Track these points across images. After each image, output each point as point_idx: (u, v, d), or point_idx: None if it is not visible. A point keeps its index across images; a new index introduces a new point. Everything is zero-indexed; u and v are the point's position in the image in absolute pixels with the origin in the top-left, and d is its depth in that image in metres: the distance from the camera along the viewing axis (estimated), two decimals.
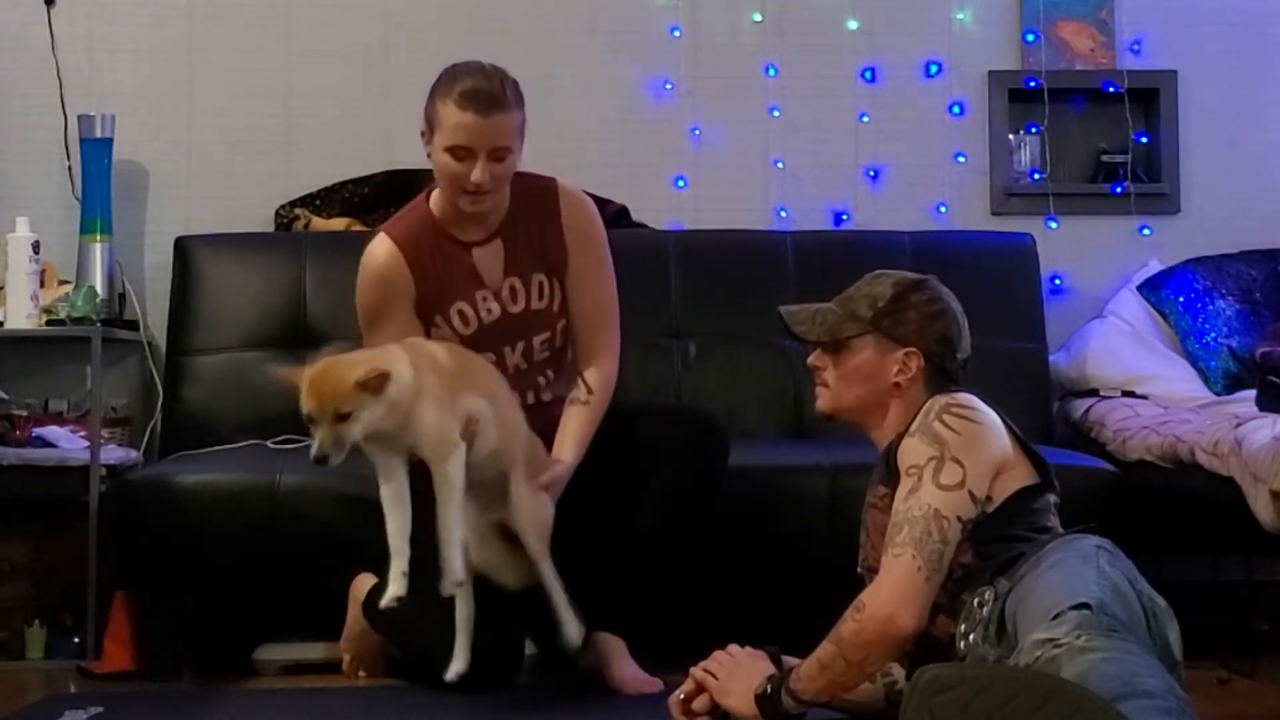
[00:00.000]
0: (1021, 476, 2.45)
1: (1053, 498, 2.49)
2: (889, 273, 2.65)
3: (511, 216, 3.09)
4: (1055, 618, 1.99)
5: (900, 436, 2.48)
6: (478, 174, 2.94)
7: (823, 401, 2.65)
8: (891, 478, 2.46)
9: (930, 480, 2.36)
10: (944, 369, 2.58)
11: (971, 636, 2.27)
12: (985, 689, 1.82)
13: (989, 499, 2.39)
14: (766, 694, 2.40)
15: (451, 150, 2.94)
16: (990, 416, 2.46)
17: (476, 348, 3.01)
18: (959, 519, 2.34)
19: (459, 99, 2.92)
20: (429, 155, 3.03)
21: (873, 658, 2.32)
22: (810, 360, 2.66)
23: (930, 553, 2.31)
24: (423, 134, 3.03)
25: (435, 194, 3.10)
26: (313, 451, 2.55)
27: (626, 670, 2.95)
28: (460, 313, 3.06)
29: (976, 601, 2.29)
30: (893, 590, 2.30)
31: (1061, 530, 2.43)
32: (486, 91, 2.92)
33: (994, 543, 2.36)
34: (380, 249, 3.06)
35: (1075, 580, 2.08)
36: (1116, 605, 2.03)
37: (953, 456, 2.37)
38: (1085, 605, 1.99)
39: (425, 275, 3.04)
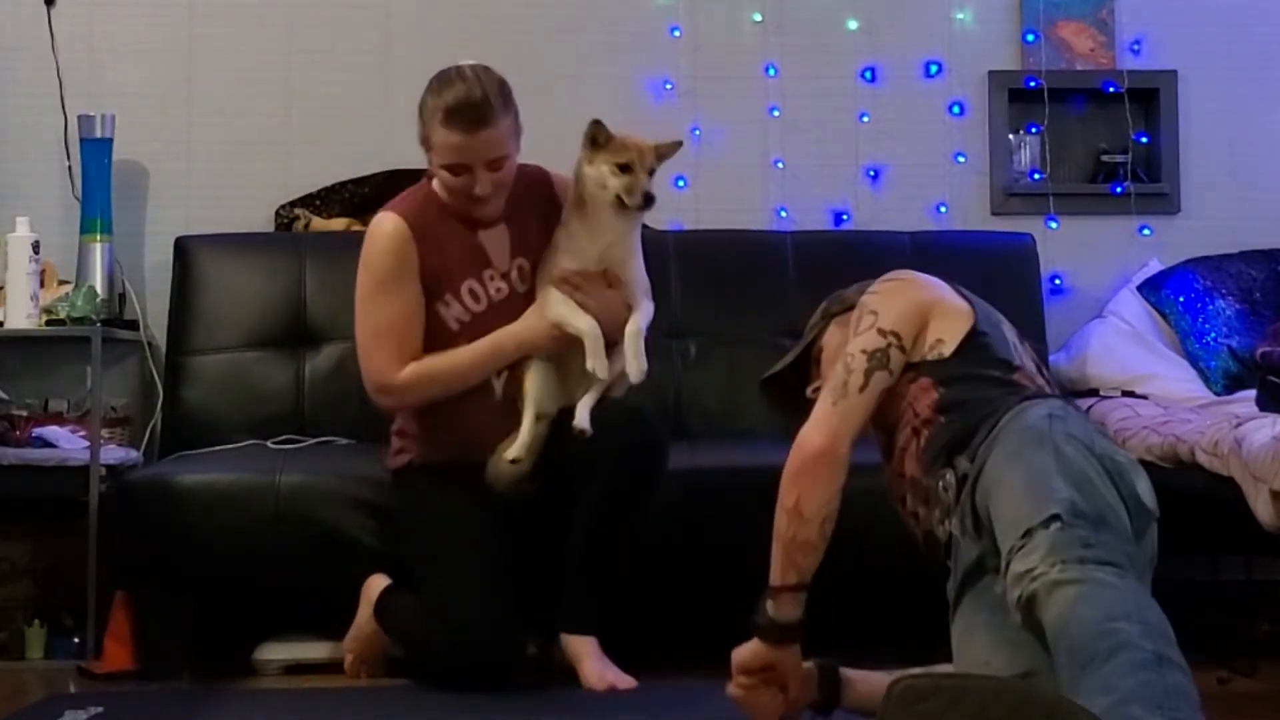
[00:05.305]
0: (969, 317, 2.50)
1: (1013, 334, 2.55)
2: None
3: (514, 201, 3.11)
4: (1026, 534, 2.01)
5: None
6: (480, 187, 3.00)
7: None
8: None
9: (850, 337, 2.48)
10: None
11: (947, 523, 2.32)
12: (959, 699, 1.86)
13: (940, 341, 2.45)
14: (755, 616, 2.41)
15: (448, 168, 2.99)
16: (916, 275, 2.55)
17: (488, 326, 3.05)
18: (863, 351, 2.43)
19: (444, 119, 2.95)
20: (430, 164, 3.07)
21: (803, 493, 2.35)
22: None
23: (837, 384, 2.41)
24: (422, 142, 3.05)
25: (438, 180, 3.11)
26: (637, 197, 3.01)
27: (595, 668, 2.95)
28: (471, 291, 3.09)
29: (940, 485, 2.33)
30: (807, 423, 2.40)
31: (1032, 366, 2.49)
32: (471, 106, 2.95)
33: (958, 382, 2.41)
34: (387, 223, 3.08)
35: (1040, 481, 2.08)
36: (1084, 499, 2.04)
37: (870, 310, 2.48)
38: (1055, 517, 2.01)
39: (431, 252, 3.06)
